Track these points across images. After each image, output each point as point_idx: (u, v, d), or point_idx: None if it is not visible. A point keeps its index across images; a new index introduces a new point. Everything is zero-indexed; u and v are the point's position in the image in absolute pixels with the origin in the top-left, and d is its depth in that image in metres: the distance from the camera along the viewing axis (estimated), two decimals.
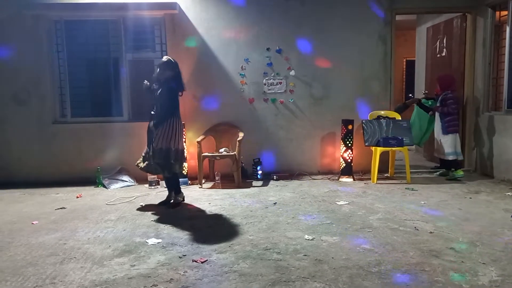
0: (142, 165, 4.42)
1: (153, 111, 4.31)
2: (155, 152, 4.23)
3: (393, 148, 5.46)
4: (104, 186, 5.41)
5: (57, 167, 5.71)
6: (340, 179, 5.63)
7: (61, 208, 4.46)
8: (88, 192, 5.18)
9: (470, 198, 4.59)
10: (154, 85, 4.35)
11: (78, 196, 4.99)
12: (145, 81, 4.46)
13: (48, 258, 3.10)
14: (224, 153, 5.44)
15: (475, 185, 5.19)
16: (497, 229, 3.54)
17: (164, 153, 4.22)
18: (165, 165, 4.29)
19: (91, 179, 5.51)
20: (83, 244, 3.38)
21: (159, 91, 4.24)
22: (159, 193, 4.99)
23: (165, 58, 4.35)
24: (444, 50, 6.48)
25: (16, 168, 5.72)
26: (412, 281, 2.61)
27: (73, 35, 5.83)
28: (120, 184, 5.49)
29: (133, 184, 5.56)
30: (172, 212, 4.28)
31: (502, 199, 4.52)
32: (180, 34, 5.74)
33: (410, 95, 6.23)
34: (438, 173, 5.83)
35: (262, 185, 5.40)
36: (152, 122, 4.31)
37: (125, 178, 5.60)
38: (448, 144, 5.46)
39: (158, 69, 4.31)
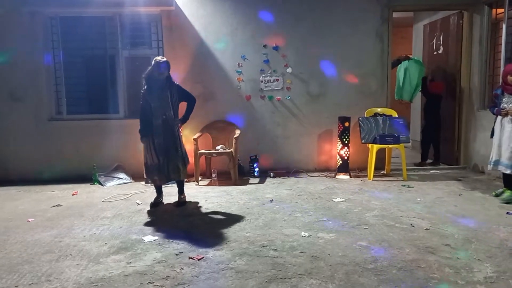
0: (155, 181, 4.36)
1: (165, 115, 4.16)
2: (180, 156, 4.29)
3: (390, 145, 5.47)
4: (100, 184, 5.40)
5: (53, 165, 5.68)
6: (337, 176, 5.63)
7: (57, 206, 4.45)
8: (84, 190, 5.17)
9: (461, 195, 4.60)
10: (144, 85, 4.22)
11: (74, 193, 4.97)
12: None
13: (44, 255, 3.09)
14: (221, 150, 5.43)
15: (471, 182, 5.21)
16: (493, 225, 3.56)
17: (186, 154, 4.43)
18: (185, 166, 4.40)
19: (87, 177, 5.49)
20: (79, 241, 3.37)
21: (169, 91, 4.19)
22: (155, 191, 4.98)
23: (163, 58, 4.20)
24: (441, 47, 6.49)
25: (11, 165, 5.69)
26: (408, 278, 2.62)
27: (69, 32, 5.79)
28: (116, 181, 5.48)
29: (129, 181, 5.55)
30: (167, 209, 4.28)
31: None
32: (176, 31, 5.71)
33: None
34: (501, 196, 4.41)
35: (259, 182, 5.40)
36: (162, 130, 4.17)
37: (121, 175, 5.58)
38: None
39: (159, 69, 4.13)
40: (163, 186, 4.55)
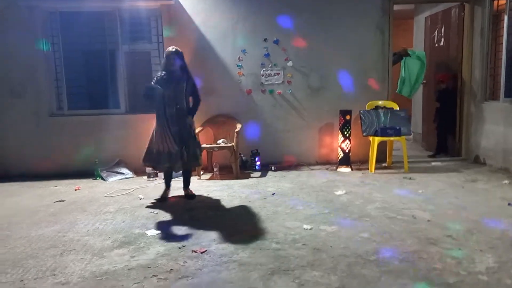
0: (166, 169, 4.38)
1: (178, 105, 4.17)
2: (197, 144, 4.38)
3: (391, 138, 5.47)
4: (103, 179, 5.41)
5: (55, 160, 5.70)
6: (338, 169, 5.64)
7: (59, 201, 4.46)
8: (86, 185, 5.18)
9: (463, 187, 4.61)
10: (163, 75, 4.19)
11: (77, 188, 4.99)
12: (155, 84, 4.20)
13: (48, 250, 3.11)
14: (222, 144, 5.44)
15: (472, 173, 5.21)
16: (494, 217, 3.57)
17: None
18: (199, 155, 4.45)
19: (89, 172, 5.50)
20: (83, 236, 3.39)
21: (185, 83, 4.20)
22: (158, 185, 4.99)
23: (173, 48, 4.22)
24: (442, 39, 6.47)
25: (13, 161, 5.70)
26: (410, 269, 2.64)
27: (69, 27, 5.78)
28: (119, 176, 5.49)
29: (131, 176, 5.56)
30: (171, 203, 4.30)
31: (499, 187, 4.55)
32: (176, 25, 5.70)
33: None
34: None
35: (261, 176, 5.41)
36: (176, 119, 4.16)
37: (123, 170, 5.60)
38: None
39: (169, 60, 4.15)
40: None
